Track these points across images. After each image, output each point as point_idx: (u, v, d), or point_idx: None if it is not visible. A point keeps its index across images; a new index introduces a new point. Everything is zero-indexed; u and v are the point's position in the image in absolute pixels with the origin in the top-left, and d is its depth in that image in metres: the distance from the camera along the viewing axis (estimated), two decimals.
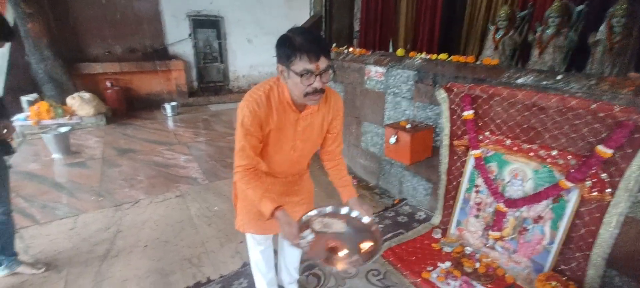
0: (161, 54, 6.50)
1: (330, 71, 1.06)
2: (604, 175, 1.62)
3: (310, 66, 1.00)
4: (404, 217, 2.76)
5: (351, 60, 3.18)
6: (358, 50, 3.19)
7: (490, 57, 3.39)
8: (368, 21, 4.26)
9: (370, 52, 3.10)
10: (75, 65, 5.61)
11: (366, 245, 1.11)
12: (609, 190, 1.61)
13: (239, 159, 1.21)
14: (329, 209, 1.26)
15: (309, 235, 1.10)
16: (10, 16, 4.89)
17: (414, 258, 2.23)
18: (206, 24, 6.92)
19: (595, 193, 1.65)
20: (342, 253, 1.08)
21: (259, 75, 7.70)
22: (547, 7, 3.07)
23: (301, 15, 5.91)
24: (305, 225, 1.16)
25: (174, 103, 6.06)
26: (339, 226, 1.18)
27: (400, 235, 2.49)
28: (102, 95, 5.73)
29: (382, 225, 2.62)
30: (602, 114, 1.53)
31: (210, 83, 7.37)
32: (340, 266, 1.11)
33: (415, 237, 2.45)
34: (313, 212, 1.23)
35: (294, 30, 1.06)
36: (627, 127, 1.46)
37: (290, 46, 1.01)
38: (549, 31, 3.01)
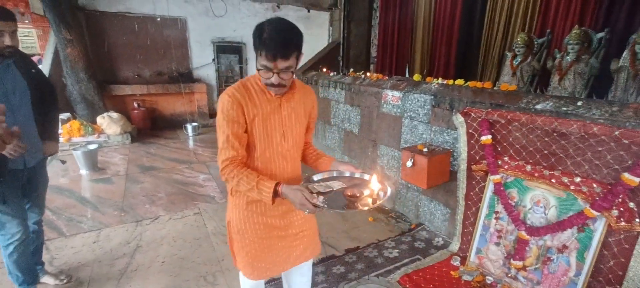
0: (186, 77, 6.83)
1: (291, 71, 1.08)
2: (631, 204, 1.56)
3: (269, 64, 1.03)
4: (421, 242, 2.70)
5: (368, 85, 3.25)
6: (375, 75, 3.26)
7: (507, 83, 3.38)
8: (384, 48, 4.36)
9: (386, 77, 3.16)
10: (106, 87, 5.97)
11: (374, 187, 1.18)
12: (638, 220, 1.55)
13: (224, 152, 1.14)
14: (319, 176, 1.30)
15: (318, 197, 1.09)
16: (52, 42, 5.32)
17: (431, 286, 2.17)
18: (229, 50, 7.26)
19: (623, 223, 1.59)
20: (367, 191, 1.15)
21: None
22: (565, 34, 3.07)
23: (319, 42, 6.11)
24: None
25: (195, 124, 6.28)
26: (338, 184, 1.23)
27: (417, 261, 2.43)
28: (129, 115, 6.03)
29: (397, 251, 2.58)
30: (626, 141, 1.50)
31: None
32: (361, 207, 1.11)
33: (433, 264, 2.39)
34: (306, 183, 1.25)
35: (270, 21, 1.05)
36: None
37: (258, 37, 1.03)
38: (569, 58, 3.00)
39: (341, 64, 4.48)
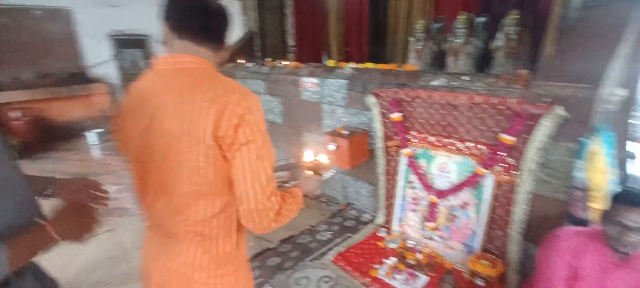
0: (79, 78, 5.90)
1: None
2: (511, 159, 1.87)
3: None
4: (350, 221, 2.84)
5: (286, 73, 3.24)
6: (291, 63, 3.27)
7: (413, 64, 3.72)
8: (301, 37, 4.40)
9: (303, 65, 3.20)
10: None
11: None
12: (515, 172, 1.86)
13: (273, 181, 0.86)
14: None
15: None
16: None
17: (362, 259, 2.30)
18: (131, 44, 6.47)
19: (506, 176, 1.89)
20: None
21: None
22: (455, 20, 3.49)
23: (234, 33, 5.88)
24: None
25: (100, 130, 5.50)
26: (282, 174, 1.30)
27: (348, 238, 2.56)
28: (9, 128, 4.97)
29: (330, 232, 2.67)
30: (502, 107, 1.78)
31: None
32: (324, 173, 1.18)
33: (363, 239, 2.53)
34: None
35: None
36: (522, 117, 1.71)
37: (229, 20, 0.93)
38: (459, 41, 3.42)
39: (259, 54, 4.38)
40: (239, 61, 4.09)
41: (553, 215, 1.77)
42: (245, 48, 4.38)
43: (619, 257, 1.25)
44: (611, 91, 1.63)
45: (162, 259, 0.92)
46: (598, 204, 1.58)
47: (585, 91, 1.48)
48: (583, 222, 1.66)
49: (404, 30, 4.08)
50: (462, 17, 3.37)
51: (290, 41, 4.55)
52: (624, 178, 2.32)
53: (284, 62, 3.43)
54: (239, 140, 0.78)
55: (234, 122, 0.77)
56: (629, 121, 2.17)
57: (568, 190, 1.66)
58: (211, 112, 0.76)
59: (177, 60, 0.85)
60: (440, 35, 3.81)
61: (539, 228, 1.85)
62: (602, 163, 1.48)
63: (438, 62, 3.86)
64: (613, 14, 1.79)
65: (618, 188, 1.40)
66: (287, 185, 1.15)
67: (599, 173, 1.50)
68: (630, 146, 2.70)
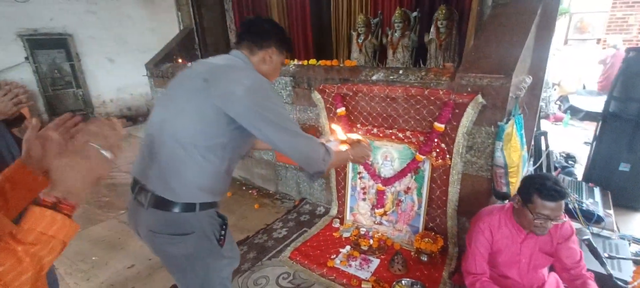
0: None
1: None
2: (443, 145, 2.05)
3: None
4: (305, 215, 2.89)
5: None
6: None
7: (356, 59, 3.84)
8: None
9: None
10: None
11: None
12: (448, 156, 2.05)
13: None
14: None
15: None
16: None
17: (318, 251, 2.37)
18: (49, 44, 5.73)
19: (440, 160, 2.08)
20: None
21: (131, 97, 6.84)
22: (392, 15, 3.67)
23: (169, 29, 5.48)
24: None
25: None
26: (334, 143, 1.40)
27: (304, 233, 2.61)
28: None
29: (286, 229, 2.70)
30: (433, 98, 1.94)
31: (69, 113, 6.18)
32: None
33: (318, 232, 2.60)
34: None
35: None
36: (449, 106, 1.89)
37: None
38: (396, 34, 3.61)
39: (199, 52, 4.18)
40: (178, 61, 3.87)
41: (480, 192, 2.00)
42: (184, 46, 4.15)
43: (526, 231, 1.45)
44: (521, 79, 1.87)
45: None
46: (515, 179, 1.83)
47: (499, 80, 1.68)
48: (505, 196, 1.90)
49: (347, 25, 4.18)
50: (398, 12, 3.56)
51: (233, 38, 4.41)
52: (539, 153, 2.69)
53: None
54: None
55: None
56: (539, 103, 2.50)
57: (490, 168, 1.88)
58: None
59: None
60: (379, 29, 3.98)
61: (470, 204, 2.09)
62: (516, 142, 1.71)
63: (379, 56, 4.04)
64: (519, 9, 2.04)
65: (531, 173, 1.60)
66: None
67: (514, 151, 1.72)
68: (542, 125, 3.12)
